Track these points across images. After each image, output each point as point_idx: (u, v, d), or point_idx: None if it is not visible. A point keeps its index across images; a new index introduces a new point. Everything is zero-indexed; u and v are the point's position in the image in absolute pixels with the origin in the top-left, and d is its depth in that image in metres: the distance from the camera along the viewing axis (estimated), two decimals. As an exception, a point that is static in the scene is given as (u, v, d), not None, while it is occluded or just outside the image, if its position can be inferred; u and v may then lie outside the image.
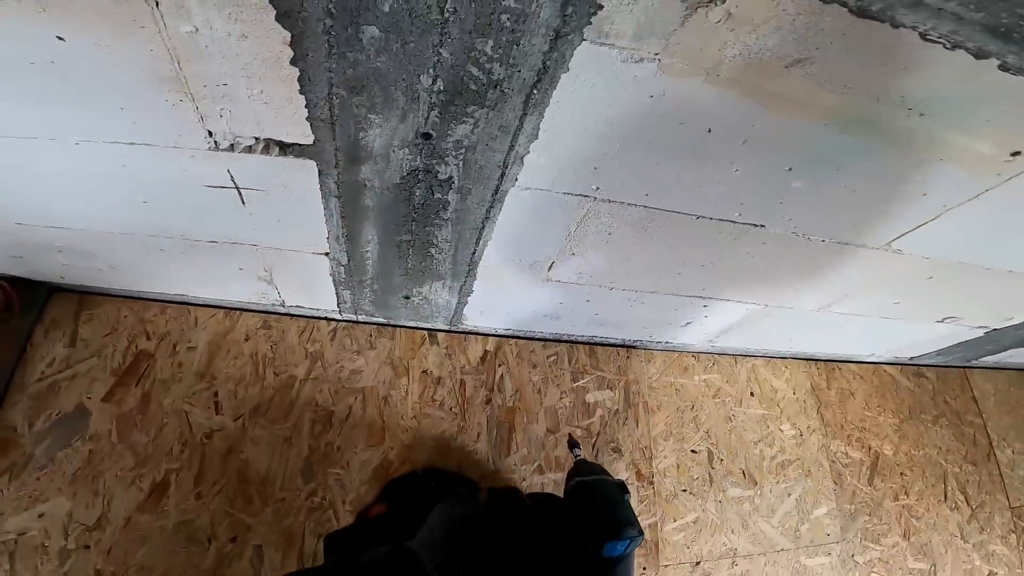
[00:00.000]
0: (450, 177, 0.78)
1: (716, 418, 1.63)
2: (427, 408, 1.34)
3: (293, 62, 0.56)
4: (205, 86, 0.58)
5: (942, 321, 1.52)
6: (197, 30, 0.51)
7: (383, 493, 1.21)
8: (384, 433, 1.30)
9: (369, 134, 0.69)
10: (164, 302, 1.26)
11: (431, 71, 0.60)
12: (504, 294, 1.18)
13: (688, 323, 1.39)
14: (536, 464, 1.36)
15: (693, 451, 1.57)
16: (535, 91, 0.63)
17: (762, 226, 0.92)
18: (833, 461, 1.75)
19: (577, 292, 1.17)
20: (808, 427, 1.75)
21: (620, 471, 1.43)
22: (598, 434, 1.45)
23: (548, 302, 1.23)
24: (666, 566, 1.42)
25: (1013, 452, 2.06)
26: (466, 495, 1.04)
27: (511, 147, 0.72)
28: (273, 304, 1.26)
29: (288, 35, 0.53)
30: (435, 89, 0.62)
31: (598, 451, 1.43)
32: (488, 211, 0.86)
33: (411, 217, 0.88)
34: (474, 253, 1.00)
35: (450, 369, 1.38)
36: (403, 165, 0.75)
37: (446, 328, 1.38)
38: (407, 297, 1.19)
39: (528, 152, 0.73)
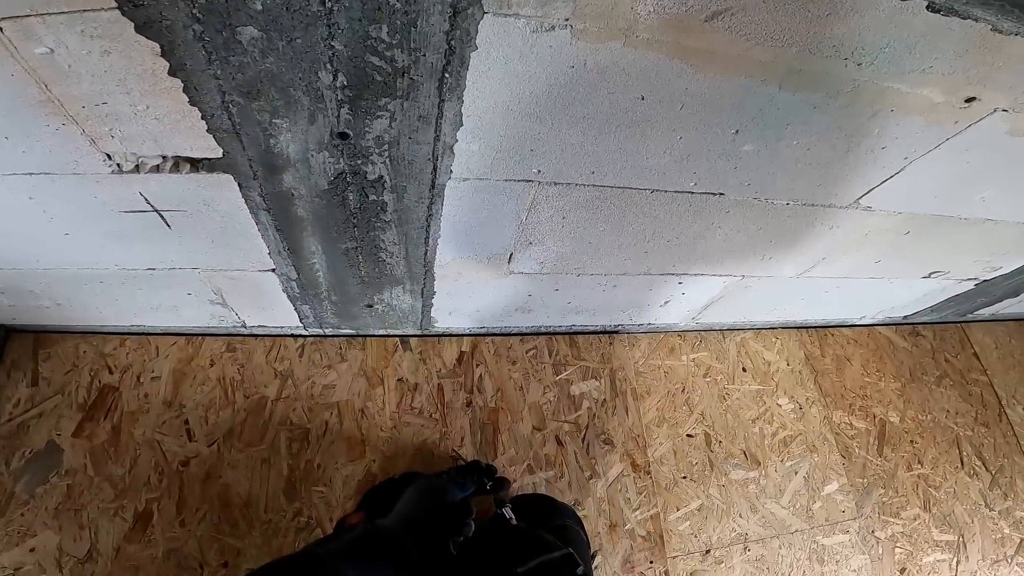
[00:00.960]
0: (380, 177, 0.74)
1: (709, 398, 1.58)
2: (406, 416, 1.30)
3: (172, 73, 0.52)
4: (84, 107, 0.54)
5: (928, 276, 1.48)
6: (52, 51, 0.47)
7: (362, 502, 1.17)
8: (364, 446, 1.26)
9: (280, 140, 0.64)
10: (122, 334, 1.23)
11: (328, 66, 0.56)
12: (469, 292, 1.13)
13: (667, 302, 1.35)
14: (526, 464, 1.32)
15: (689, 435, 1.52)
16: (447, 75, 0.59)
17: (721, 194, 0.88)
18: (838, 433, 1.69)
19: (544, 282, 1.13)
20: (807, 399, 1.70)
21: (614, 463, 1.39)
22: (587, 427, 1.40)
23: (516, 295, 1.19)
24: (674, 557, 1.37)
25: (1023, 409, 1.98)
26: (439, 473, 1.00)
27: (436, 137, 0.68)
28: (234, 326, 1.22)
29: (156, 46, 0.49)
30: (338, 85, 0.58)
31: (588, 444, 1.39)
32: (429, 207, 0.82)
33: (351, 223, 0.84)
34: (426, 253, 0.95)
35: (426, 374, 1.34)
36: (327, 169, 0.71)
37: (418, 333, 1.34)
38: (370, 306, 1.15)
39: (456, 141, 0.69)
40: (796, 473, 1.59)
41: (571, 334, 1.47)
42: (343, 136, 0.65)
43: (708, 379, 1.60)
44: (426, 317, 1.24)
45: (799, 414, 1.67)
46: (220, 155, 0.65)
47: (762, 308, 1.52)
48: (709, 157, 0.77)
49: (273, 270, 0.97)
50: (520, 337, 1.42)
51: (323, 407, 1.27)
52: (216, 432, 1.21)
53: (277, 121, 0.61)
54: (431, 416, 1.31)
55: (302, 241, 0.88)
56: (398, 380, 1.32)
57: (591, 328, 1.47)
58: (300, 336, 1.30)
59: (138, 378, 1.21)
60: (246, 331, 1.26)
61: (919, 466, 1.74)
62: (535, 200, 0.83)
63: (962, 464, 1.79)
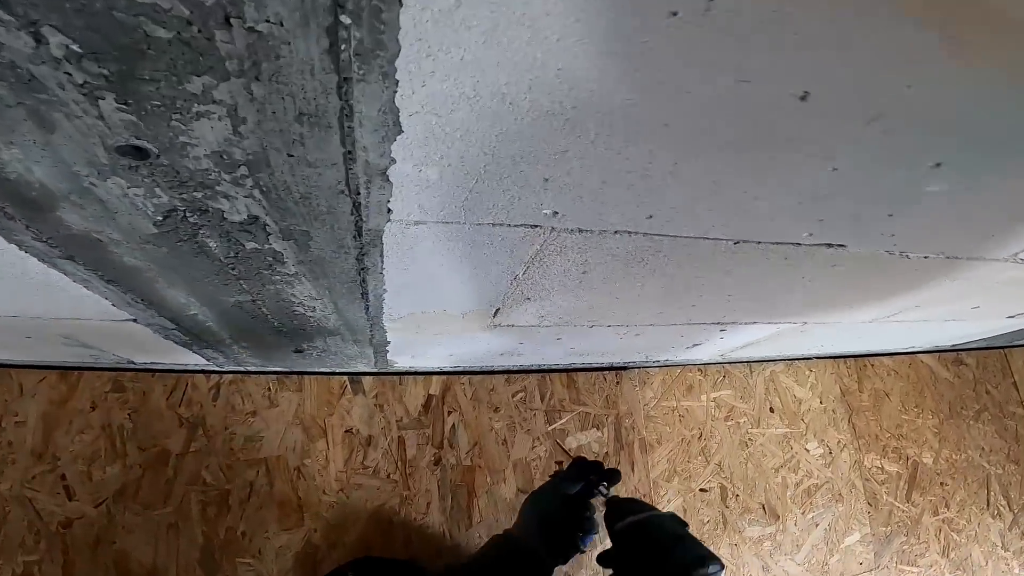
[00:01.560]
0: (253, 217, 0.38)
1: (729, 445, 1.29)
2: (357, 477, 0.99)
3: None
4: None
5: (1013, 317, 1.17)
6: None
7: None
8: (302, 512, 0.96)
9: (7, 165, 0.29)
10: None
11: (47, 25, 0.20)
12: (435, 342, 0.80)
13: (696, 345, 1.03)
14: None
15: (703, 490, 1.24)
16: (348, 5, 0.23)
17: (841, 246, 0.54)
18: (867, 480, 1.44)
19: (542, 333, 0.80)
20: (838, 442, 1.43)
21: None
22: None
23: (502, 345, 0.86)
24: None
25: None
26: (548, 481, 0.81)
27: (348, 153, 0.32)
28: (116, 362, 0.88)
29: None
30: (70, 56, 0.22)
31: None
32: (360, 259, 0.47)
33: (228, 275, 0.49)
34: (367, 309, 0.61)
35: (383, 424, 1.02)
36: (140, 205, 0.36)
37: (372, 371, 1.02)
38: (299, 351, 0.82)
39: (392, 161, 0.33)
40: (817, 525, 1.34)
41: (570, 371, 1.15)
42: (138, 152, 0.30)
43: (730, 422, 1.31)
44: (381, 359, 0.91)
45: (828, 460, 1.41)
46: None
47: (808, 346, 1.21)
48: (863, 198, 0.43)
49: (134, 320, 0.63)
50: (506, 376, 1.10)
51: (246, 464, 0.95)
52: (103, 491, 0.90)
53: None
54: (389, 477, 1.00)
55: (158, 292, 0.53)
56: (346, 432, 1.00)
57: (595, 365, 1.15)
58: (213, 373, 0.97)
59: (-4, 423, 0.88)
60: (136, 366, 0.92)
61: (945, 510, 1.52)
62: (542, 251, 0.49)
63: (988, 505, 1.58)
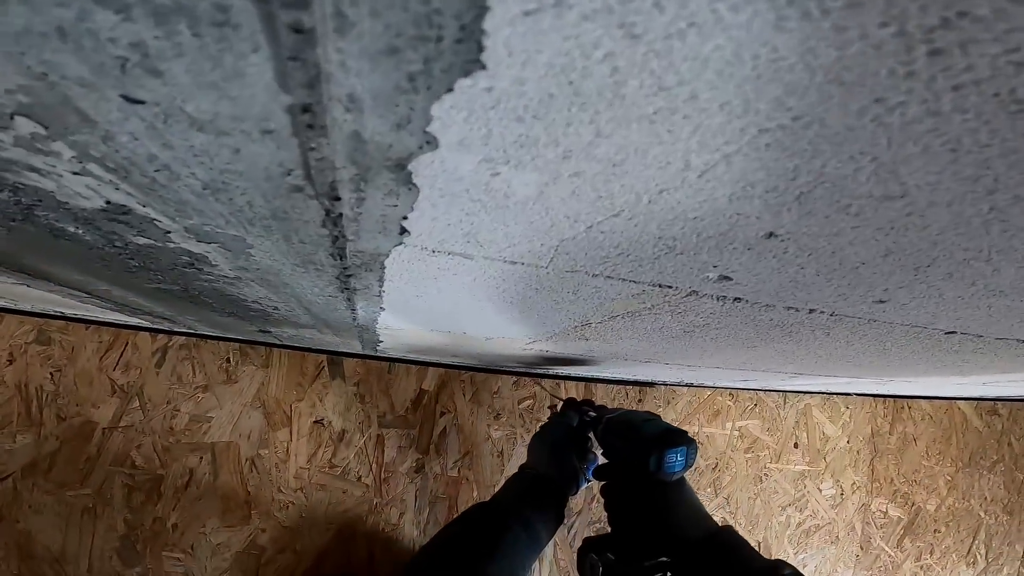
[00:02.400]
0: (119, 206, 0.19)
1: (743, 479, 1.15)
2: (321, 476, 0.83)
3: None
4: None
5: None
6: None
7: None
8: (249, 508, 0.80)
9: None
10: None
11: None
12: (440, 344, 0.62)
13: (746, 381, 0.85)
14: (485, 556, 0.89)
15: (707, 524, 1.11)
16: None
17: (979, 336, 0.35)
18: (867, 523, 1.34)
19: (580, 356, 0.61)
20: (852, 484, 1.30)
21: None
22: (579, 513, 0.96)
23: (523, 358, 0.67)
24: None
25: None
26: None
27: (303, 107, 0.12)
28: (44, 308, 0.69)
29: None
30: None
31: (576, 535, 0.96)
32: (345, 279, 0.28)
33: (128, 265, 0.30)
34: (354, 319, 0.42)
35: (361, 418, 0.85)
36: None
37: (358, 352, 0.83)
38: (264, 331, 0.63)
39: (429, 145, 0.14)
40: (805, 566, 1.25)
41: (588, 381, 0.98)
42: None
43: (750, 455, 1.16)
44: (369, 347, 0.72)
45: (837, 501, 1.29)
46: None
47: (858, 384, 1.04)
48: None
49: (25, 285, 0.43)
50: (514, 379, 0.92)
51: (187, 448, 0.78)
52: (10, 463, 0.73)
53: None
54: (360, 480, 0.84)
55: (36, 267, 0.34)
56: (315, 422, 0.83)
57: (618, 378, 0.97)
58: (160, 332, 0.78)
59: None
60: (67, 315, 0.73)
61: (928, 557, 1.45)
62: (654, 308, 0.30)
63: (968, 552, 1.52)
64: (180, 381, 0.77)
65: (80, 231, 0.23)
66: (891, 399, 1.35)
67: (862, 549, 1.35)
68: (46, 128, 0.13)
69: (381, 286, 0.29)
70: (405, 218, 0.18)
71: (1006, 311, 0.26)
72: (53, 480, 0.74)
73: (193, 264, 0.28)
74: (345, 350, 0.80)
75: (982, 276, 0.20)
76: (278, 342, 0.78)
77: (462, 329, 0.44)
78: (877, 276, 0.21)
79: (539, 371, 0.88)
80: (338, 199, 0.16)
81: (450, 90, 0.11)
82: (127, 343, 0.76)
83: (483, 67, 0.10)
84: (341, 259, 0.23)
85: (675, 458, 0.60)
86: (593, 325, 0.36)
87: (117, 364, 0.76)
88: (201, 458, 0.78)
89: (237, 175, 0.15)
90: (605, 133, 0.12)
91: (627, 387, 1.00)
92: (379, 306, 0.35)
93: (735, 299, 0.27)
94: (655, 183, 0.14)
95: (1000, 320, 0.28)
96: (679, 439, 0.61)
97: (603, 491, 0.67)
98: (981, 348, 0.36)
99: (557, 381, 0.95)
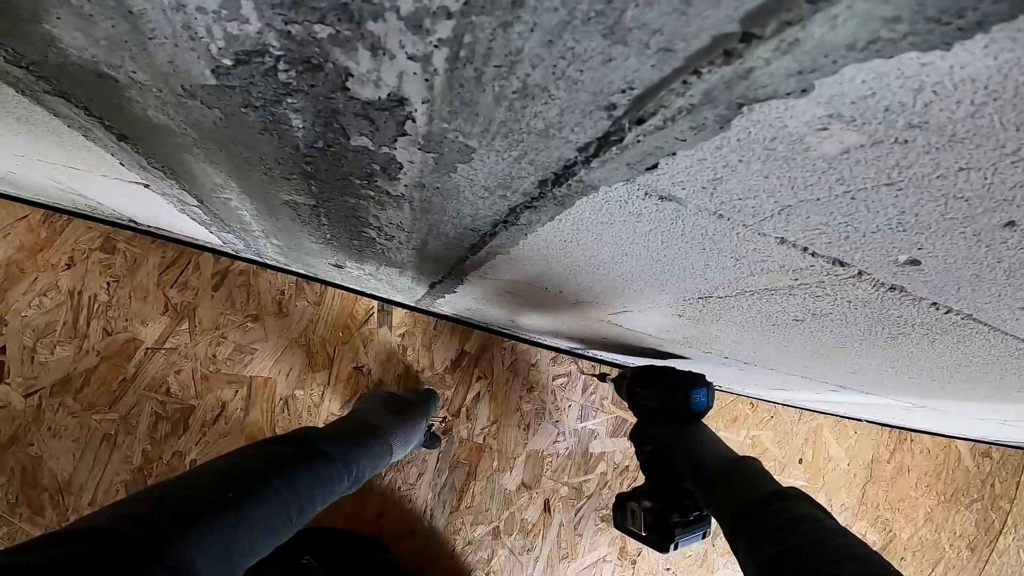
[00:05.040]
0: (399, 99, 0.19)
1: (748, 485, 1.18)
2: (352, 421, 0.84)
3: None
4: None
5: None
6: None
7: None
8: (278, 445, 0.81)
9: None
10: None
11: None
12: (511, 307, 0.62)
13: (780, 389, 0.87)
14: (493, 526, 0.91)
15: (705, 524, 1.13)
16: None
17: None
18: None
19: (644, 341, 0.62)
20: (842, 504, 1.34)
21: (600, 545, 0.98)
22: (589, 496, 0.98)
23: (589, 333, 0.68)
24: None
25: (1014, 539, 1.77)
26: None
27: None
28: (114, 216, 0.69)
29: None
30: None
31: (582, 518, 0.98)
32: (516, 212, 0.29)
33: (298, 170, 0.30)
34: (465, 260, 0.43)
35: (399, 370, 0.86)
36: (205, 33, 0.16)
37: (408, 303, 0.84)
38: (339, 266, 0.63)
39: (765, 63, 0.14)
40: None
41: (620, 368, 0.99)
42: None
43: (758, 463, 1.18)
44: (428, 299, 0.73)
45: (828, 519, 1.33)
46: None
47: (873, 412, 1.06)
48: None
49: (146, 185, 0.43)
50: (552, 355, 0.93)
51: (226, 380, 0.78)
52: (43, 377, 0.73)
53: None
54: (389, 431, 0.86)
55: (187, 164, 0.34)
56: (355, 368, 0.84)
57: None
58: (224, 255, 0.78)
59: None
60: (138, 226, 0.73)
61: None
62: (793, 288, 0.30)
63: None
64: (233, 307, 0.78)
65: (305, 125, 0.23)
66: (897, 430, 1.37)
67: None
68: (466, 6, 0.13)
69: (542, 228, 0.30)
70: (671, 157, 0.19)
71: None
72: (81, 400, 0.74)
73: (372, 175, 0.28)
74: (398, 299, 0.81)
75: None
76: (336, 281, 0.79)
77: (560, 288, 0.45)
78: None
79: (580, 351, 0.89)
80: (641, 122, 0.17)
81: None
82: (189, 261, 0.76)
83: None
84: (555, 186, 0.24)
85: (699, 397, 0.67)
86: (712, 299, 0.36)
87: (175, 282, 0.76)
88: (236, 391, 0.79)
89: (571, 83, 0.15)
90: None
91: (655, 380, 1.02)
92: (512, 247, 0.35)
93: (891, 287, 0.28)
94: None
95: None
96: (701, 380, 0.68)
97: (636, 441, 0.71)
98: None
99: (594, 364, 0.96)
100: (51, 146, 0.39)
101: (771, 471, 1.21)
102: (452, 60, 0.16)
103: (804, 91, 0.14)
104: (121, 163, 0.38)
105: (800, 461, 1.24)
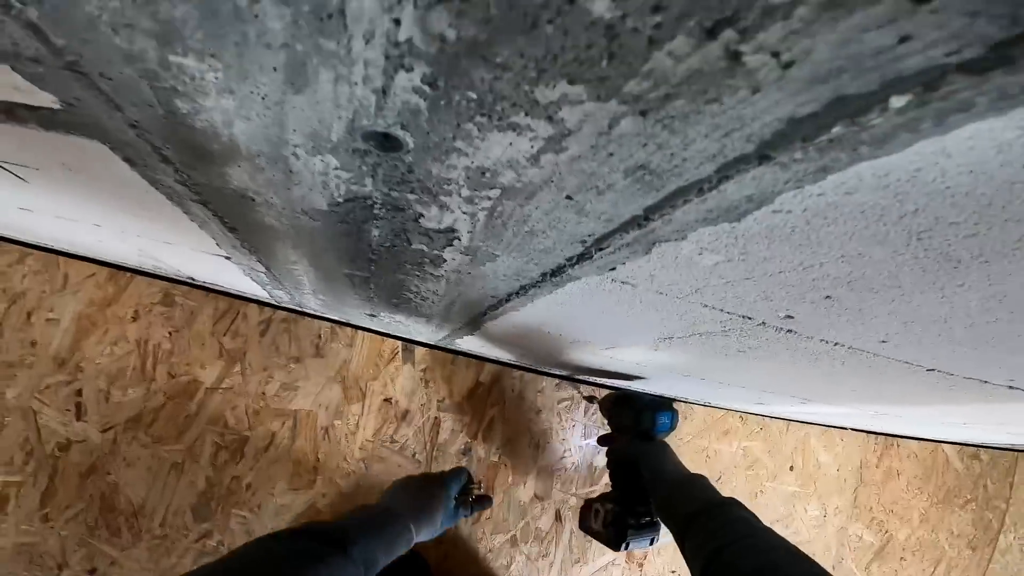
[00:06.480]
0: (452, 230, 0.30)
1: (741, 493, 1.24)
2: (382, 450, 0.94)
3: None
4: None
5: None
6: None
7: None
8: (316, 474, 0.91)
9: (202, 109, 0.21)
10: (23, 245, 0.81)
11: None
12: (517, 340, 0.73)
13: (760, 404, 0.96)
14: (511, 534, 1.00)
15: (706, 532, 1.21)
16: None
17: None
18: (843, 544, 1.45)
19: (632, 368, 0.73)
20: (836, 508, 1.42)
21: (608, 550, 1.07)
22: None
23: (581, 362, 0.79)
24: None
25: (1015, 538, 1.82)
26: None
27: (644, 218, 0.24)
28: (175, 273, 0.81)
29: None
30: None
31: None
32: (524, 289, 0.40)
33: (366, 257, 0.41)
34: (483, 315, 0.54)
35: (423, 401, 0.96)
36: (332, 185, 0.28)
37: (430, 343, 0.95)
38: (373, 315, 0.74)
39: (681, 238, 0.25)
40: None
41: (618, 391, 1.09)
42: (384, 141, 0.21)
43: (750, 472, 1.26)
44: (448, 340, 0.84)
45: (819, 522, 1.39)
46: (59, 106, 0.22)
47: (856, 420, 1.15)
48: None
49: (228, 258, 0.55)
50: (556, 381, 1.03)
51: (275, 413, 0.89)
52: (117, 415, 0.83)
53: (192, 66, 0.18)
54: (414, 456, 0.95)
55: (272, 248, 0.45)
56: (385, 400, 0.94)
57: (646, 391, 1.08)
58: (267, 306, 0.90)
59: (28, 316, 0.81)
60: (195, 282, 0.85)
61: None
62: (726, 331, 0.41)
63: None
64: (277, 351, 0.89)
65: (380, 234, 0.35)
66: (883, 436, 1.45)
67: (834, 569, 1.45)
68: (503, 194, 0.24)
69: (536, 301, 0.41)
70: (623, 264, 0.30)
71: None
72: (152, 434, 0.85)
73: (423, 263, 0.39)
74: (420, 339, 0.92)
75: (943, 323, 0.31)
76: (365, 325, 0.90)
77: (559, 332, 0.56)
78: (879, 321, 0.33)
79: (580, 377, 0.99)
80: (601, 249, 0.28)
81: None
82: (238, 312, 0.88)
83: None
84: (552, 276, 0.35)
85: (664, 419, 0.78)
86: (675, 339, 0.47)
87: (227, 330, 0.87)
88: (283, 423, 0.89)
89: (558, 233, 0.26)
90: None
91: (650, 399, 1.11)
92: (519, 307, 0.46)
93: (787, 330, 0.38)
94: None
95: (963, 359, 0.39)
96: (666, 405, 0.80)
97: (608, 452, 0.82)
98: (955, 385, 0.48)
99: (593, 388, 1.06)
100: (164, 229, 0.50)
101: (763, 478, 1.29)
102: (489, 216, 0.28)
103: (684, 238, 0.25)
104: (217, 243, 0.49)
105: (791, 468, 1.32)
